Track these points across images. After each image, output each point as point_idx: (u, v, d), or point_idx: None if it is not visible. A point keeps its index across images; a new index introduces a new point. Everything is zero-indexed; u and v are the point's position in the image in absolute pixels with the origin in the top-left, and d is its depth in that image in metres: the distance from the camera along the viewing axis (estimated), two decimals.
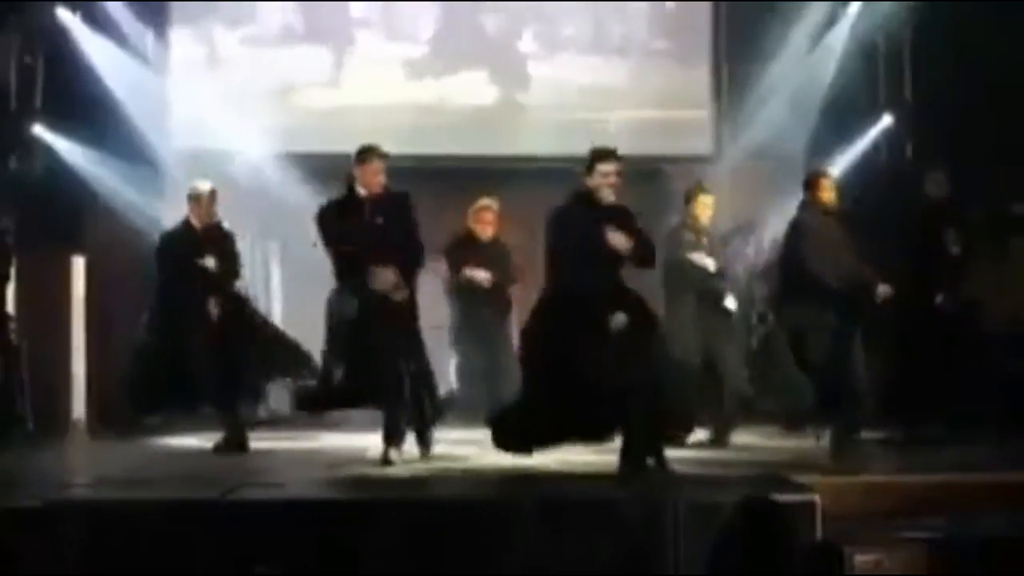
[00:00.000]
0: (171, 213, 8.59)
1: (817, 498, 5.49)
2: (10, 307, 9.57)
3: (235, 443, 7.90)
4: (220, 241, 8.23)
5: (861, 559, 5.19)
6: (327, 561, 5.34)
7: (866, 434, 7.69)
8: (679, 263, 7.91)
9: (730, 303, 8.11)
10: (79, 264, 10.48)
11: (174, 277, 8.09)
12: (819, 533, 5.36)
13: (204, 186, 8.26)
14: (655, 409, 6.49)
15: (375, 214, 7.18)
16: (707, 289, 7.96)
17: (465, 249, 8.54)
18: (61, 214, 10.06)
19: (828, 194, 7.49)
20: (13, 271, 9.57)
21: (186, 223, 8.23)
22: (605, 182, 6.59)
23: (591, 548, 5.39)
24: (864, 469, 6.66)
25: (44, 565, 5.29)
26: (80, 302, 10.43)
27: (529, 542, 5.40)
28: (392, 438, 7.12)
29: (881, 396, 8.06)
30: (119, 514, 5.49)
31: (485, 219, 8.21)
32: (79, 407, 10.25)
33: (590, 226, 6.53)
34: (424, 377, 7.24)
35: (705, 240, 8.09)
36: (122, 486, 6.29)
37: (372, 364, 7.02)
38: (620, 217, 6.63)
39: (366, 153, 7.20)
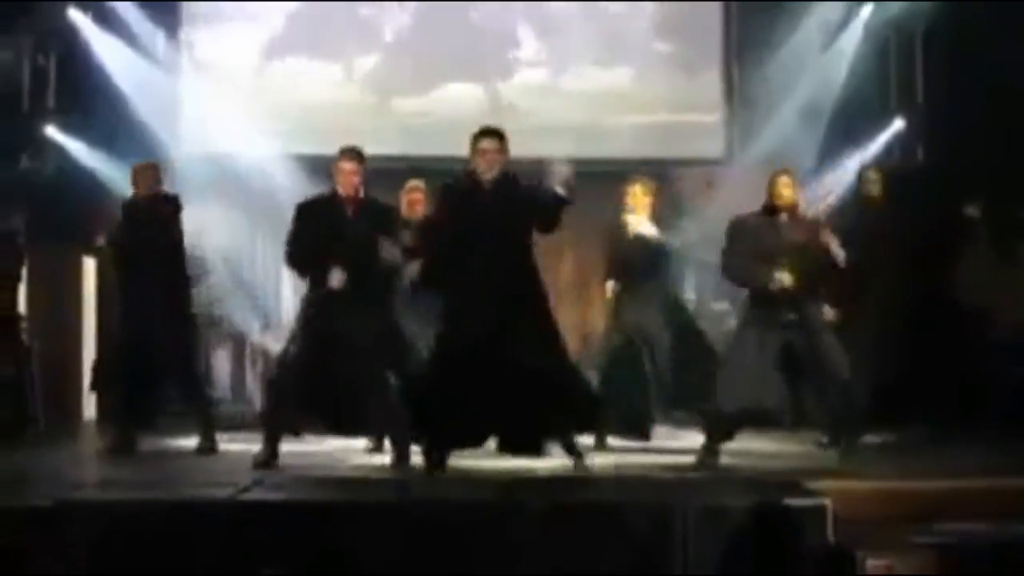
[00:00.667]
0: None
1: (829, 502, 5.47)
2: (21, 307, 9.59)
3: (208, 447, 7.90)
4: (159, 206, 7.95)
5: (873, 564, 5.18)
6: (332, 563, 5.35)
7: (873, 439, 7.68)
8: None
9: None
10: (90, 265, 10.51)
11: (122, 257, 7.97)
12: (831, 537, 5.35)
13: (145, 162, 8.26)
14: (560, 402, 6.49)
15: (356, 217, 7.12)
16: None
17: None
18: (72, 214, 10.09)
19: (780, 191, 7.18)
20: (24, 271, 9.59)
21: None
22: (482, 159, 6.58)
23: (599, 552, 5.38)
24: (869, 474, 6.64)
25: (55, 565, 5.30)
26: (91, 302, 10.46)
27: (535, 545, 5.39)
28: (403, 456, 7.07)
29: (888, 401, 8.05)
30: (129, 514, 5.49)
31: (414, 199, 8.23)
32: (90, 407, 10.28)
33: (470, 202, 6.58)
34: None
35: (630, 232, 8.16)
36: (131, 486, 6.30)
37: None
38: (503, 189, 6.59)
39: (341, 154, 7.15)
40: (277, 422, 7.20)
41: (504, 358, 6.36)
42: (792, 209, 7.20)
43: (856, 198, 8.35)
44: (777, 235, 7.12)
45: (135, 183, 8.03)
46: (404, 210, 8.15)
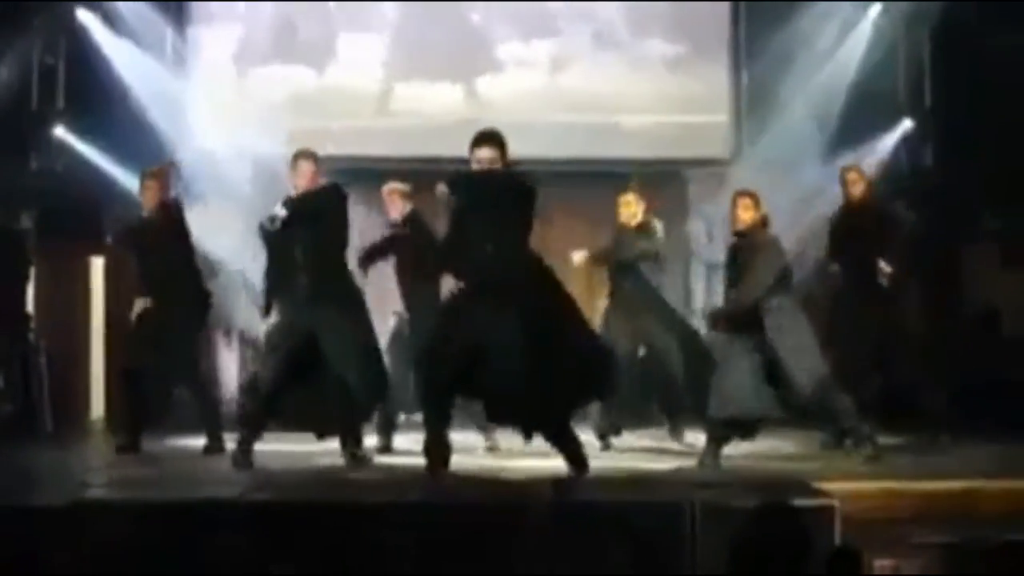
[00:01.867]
0: (190, 214, 8.56)
1: (836, 502, 5.48)
2: (29, 307, 9.61)
3: (215, 447, 7.90)
4: (164, 219, 8.03)
5: (879, 564, 5.19)
6: (338, 563, 5.36)
7: (885, 440, 7.68)
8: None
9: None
10: (98, 264, 10.53)
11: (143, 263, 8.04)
12: (838, 538, 5.35)
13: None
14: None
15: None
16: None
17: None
18: (80, 214, 10.10)
19: (738, 214, 7.26)
20: (32, 271, 9.61)
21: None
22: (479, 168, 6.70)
23: (606, 552, 5.38)
24: (877, 474, 6.65)
25: (67, 564, 5.31)
26: (99, 302, 10.48)
27: (540, 545, 5.39)
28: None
29: (901, 402, 8.05)
30: (142, 514, 5.50)
31: (393, 200, 8.29)
32: (98, 407, 10.31)
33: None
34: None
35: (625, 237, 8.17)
36: (142, 486, 6.32)
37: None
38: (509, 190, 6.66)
39: (299, 156, 7.43)
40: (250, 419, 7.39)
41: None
42: (753, 229, 7.21)
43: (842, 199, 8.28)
44: (734, 260, 7.27)
45: (143, 196, 8.07)
46: (387, 208, 8.24)
